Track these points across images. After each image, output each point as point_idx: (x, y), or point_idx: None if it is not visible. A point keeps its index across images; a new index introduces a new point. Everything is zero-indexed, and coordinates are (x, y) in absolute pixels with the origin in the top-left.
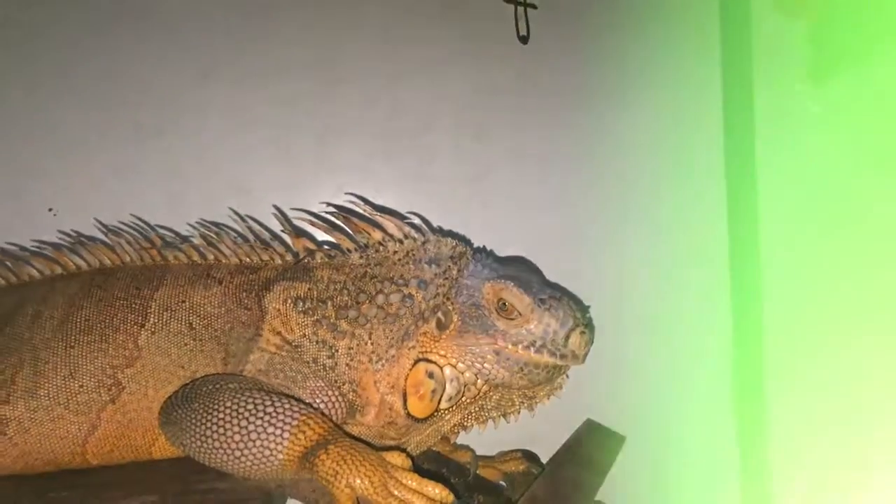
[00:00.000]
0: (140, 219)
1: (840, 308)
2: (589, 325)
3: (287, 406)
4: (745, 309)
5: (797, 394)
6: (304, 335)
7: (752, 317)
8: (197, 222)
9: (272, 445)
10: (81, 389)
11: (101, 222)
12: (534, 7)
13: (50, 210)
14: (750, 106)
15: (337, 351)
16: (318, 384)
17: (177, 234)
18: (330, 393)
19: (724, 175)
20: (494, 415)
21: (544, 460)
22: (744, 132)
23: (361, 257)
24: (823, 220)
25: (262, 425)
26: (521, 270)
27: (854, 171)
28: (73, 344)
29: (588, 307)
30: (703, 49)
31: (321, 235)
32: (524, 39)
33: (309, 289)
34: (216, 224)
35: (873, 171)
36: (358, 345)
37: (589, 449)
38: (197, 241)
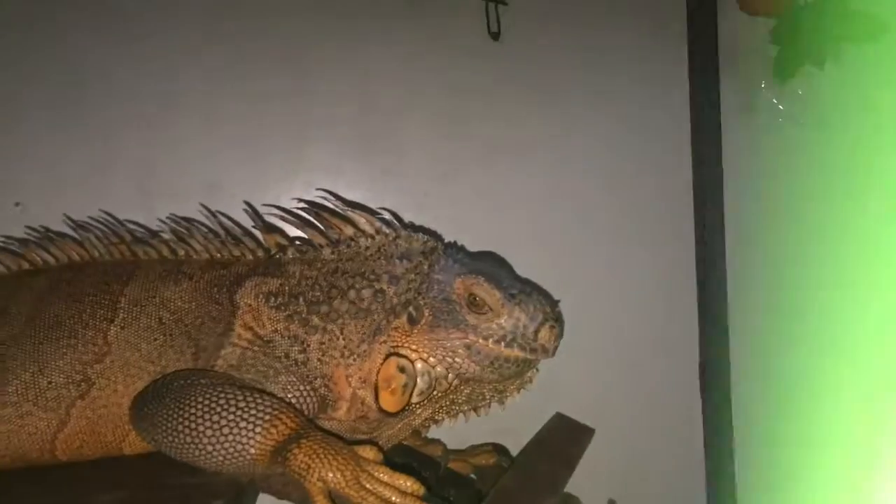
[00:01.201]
0: (110, 214)
1: (804, 303)
2: (559, 320)
3: (259, 401)
4: (711, 302)
5: (762, 386)
6: (276, 330)
7: (717, 310)
8: (167, 217)
9: (244, 440)
10: (50, 386)
11: (69, 217)
12: (504, 4)
13: (17, 205)
14: (716, 102)
15: (308, 346)
16: (289, 379)
17: (147, 229)
18: (302, 388)
19: (691, 170)
20: (465, 409)
21: (514, 453)
22: (710, 129)
23: (333, 253)
24: (790, 215)
25: (233, 420)
26: (491, 265)
27: (820, 167)
28: (41, 340)
29: (558, 301)
30: (671, 46)
31: (293, 231)
32: (495, 36)
33: (281, 284)
34: (187, 219)
35: (838, 167)
36: (329, 340)
37: (558, 442)
38: (167, 236)
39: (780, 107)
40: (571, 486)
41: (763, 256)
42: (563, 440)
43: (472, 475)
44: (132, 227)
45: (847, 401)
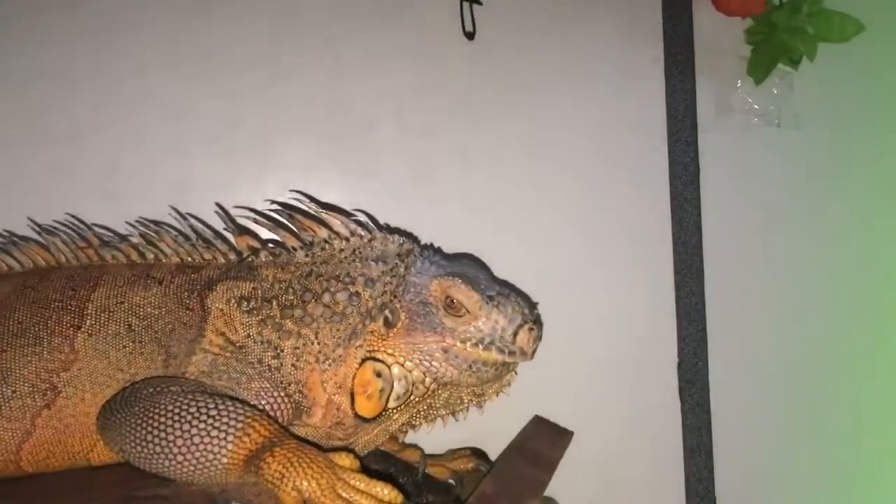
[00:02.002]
0: (76, 217)
1: (781, 302)
2: (537, 322)
3: (231, 408)
4: (688, 302)
5: (740, 385)
6: (249, 335)
7: (695, 309)
8: (136, 220)
9: (216, 449)
10: (14, 395)
11: (34, 221)
12: (479, 3)
13: None
14: (692, 102)
15: (282, 351)
16: (263, 385)
17: (115, 232)
18: (275, 394)
19: (667, 169)
20: (443, 413)
21: (493, 458)
22: (686, 128)
23: (307, 255)
24: (766, 213)
25: (204, 429)
26: (468, 267)
27: (795, 167)
28: (4, 348)
29: (536, 304)
30: (646, 46)
31: (265, 233)
32: (470, 36)
33: (253, 288)
34: (156, 222)
35: (814, 167)
36: (304, 345)
37: (537, 445)
38: (136, 240)
39: (756, 106)
40: (551, 490)
41: (740, 255)
42: (543, 443)
43: (451, 480)
44: (99, 230)
45: (826, 397)
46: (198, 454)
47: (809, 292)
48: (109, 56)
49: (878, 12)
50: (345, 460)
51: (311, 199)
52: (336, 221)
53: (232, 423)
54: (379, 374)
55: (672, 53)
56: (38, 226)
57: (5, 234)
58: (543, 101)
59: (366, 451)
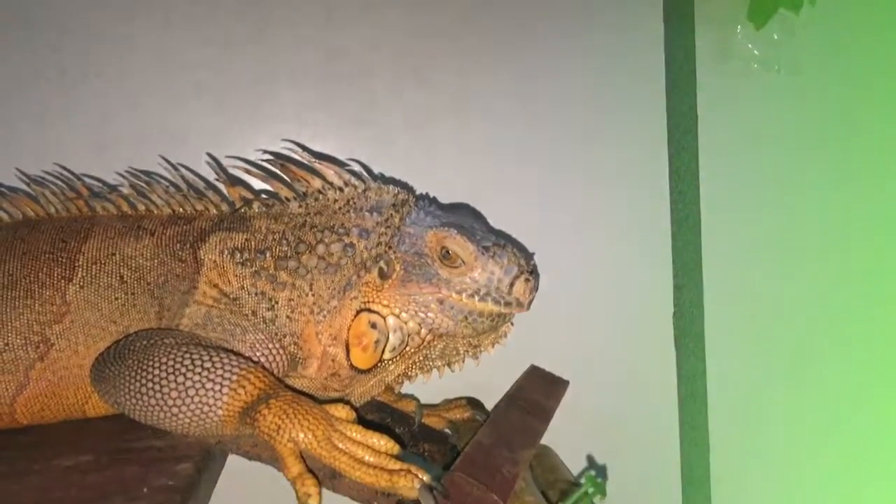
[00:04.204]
0: (65, 168)
1: (778, 250)
2: (534, 272)
3: (226, 360)
4: (685, 251)
5: (735, 336)
6: (243, 287)
7: (692, 261)
8: (126, 171)
9: (211, 402)
10: (7, 347)
11: (23, 172)
12: None
13: None
14: (691, 48)
15: (277, 303)
16: (257, 337)
17: (105, 183)
18: (270, 346)
19: (665, 117)
20: (439, 364)
21: (489, 407)
22: (685, 75)
23: (300, 206)
24: (764, 160)
25: (199, 381)
26: (464, 217)
27: (794, 113)
28: None
29: (532, 254)
30: None
31: (258, 184)
32: None
33: (246, 239)
34: (146, 173)
35: (813, 113)
36: (299, 296)
37: (533, 394)
38: (126, 190)
39: (756, 52)
40: (547, 439)
41: (737, 204)
42: (539, 393)
43: (447, 430)
44: (89, 181)
45: (822, 344)
46: (193, 406)
47: (809, 239)
48: (98, 3)
49: None
50: (341, 411)
51: (304, 148)
52: (330, 171)
53: (227, 375)
54: (374, 326)
55: None
56: (27, 177)
57: None
58: (540, 47)
59: (362, 402)
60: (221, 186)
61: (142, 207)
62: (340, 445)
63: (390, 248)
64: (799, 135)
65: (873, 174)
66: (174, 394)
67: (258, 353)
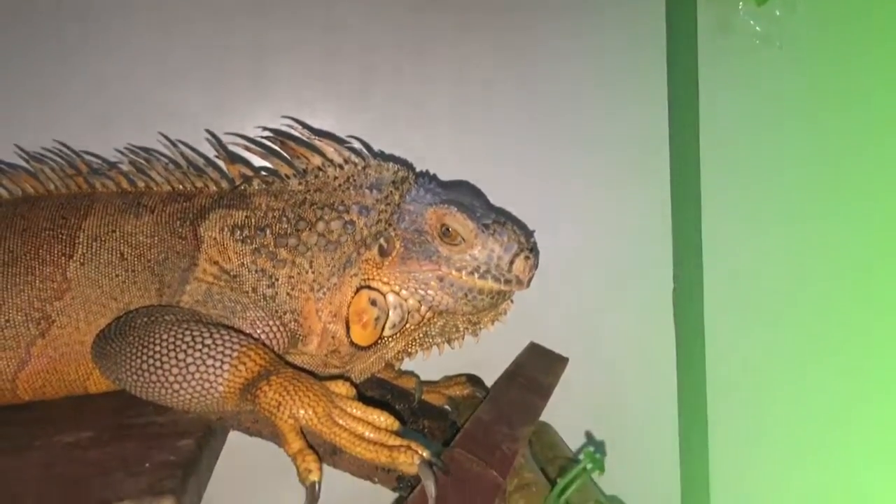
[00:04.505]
0: (64, 144)
1: (778, 225)
2: (533, 250)
3: (226, 337)
4: (685, 227)
5: (735, 311)
6: (243, 264)
7: (692, 237)
8: (125, 147)
9: (212, 378)
10: (8, 324)
11: (22, 148)
12: None
13: None
14: (693, 23)
15: (277, 280)
16: (258, 314)
17: (104, 160)
18: (271, 323)
19: (667, 92)
20: (439, 341)
21: (489, 384)
22: (687, 50)
23: (300, 183)
24: (765, 135)
25: (200, 357)
26: (464, 195)
27: (796, 89)
28: None
29: (532, 231)
30: None
31: (257, 161)
32: None
33: (246, 216)
34: (146, 149)
35: (815, 88)
36: (299, 273)
37: (533, 372)
38: (126, 167)
39: (758, 28)
40: (546, 415)
41: (738, 178)
42: (538, 370)
43: (447, 406)
44: (88, 158)
45: (823, 319)
46: (194, 383)
47: (809, 213)
48: None
49: None
50: (341, 388)
51: (304, 125)
52: (329, 149)
53: (227, 351)
54: (374, 303)
55: None
56: (26, 153)
57: None
58: (541, 22)
59: (362, 379)
60: (221, 163)
61: (141, 184)
62: (341, 422)
63: (390, 225)
64: (800, 108)
65: (873, 173)
66: (175, 370)
67: (258, 330)
